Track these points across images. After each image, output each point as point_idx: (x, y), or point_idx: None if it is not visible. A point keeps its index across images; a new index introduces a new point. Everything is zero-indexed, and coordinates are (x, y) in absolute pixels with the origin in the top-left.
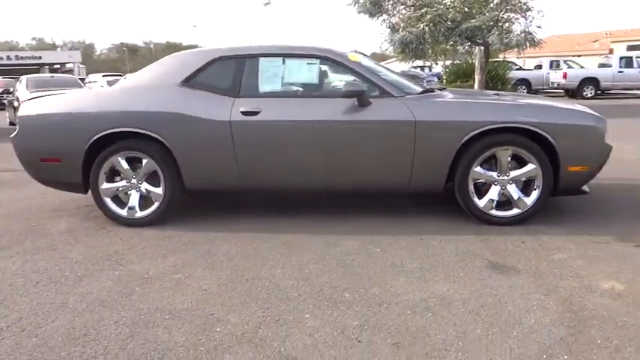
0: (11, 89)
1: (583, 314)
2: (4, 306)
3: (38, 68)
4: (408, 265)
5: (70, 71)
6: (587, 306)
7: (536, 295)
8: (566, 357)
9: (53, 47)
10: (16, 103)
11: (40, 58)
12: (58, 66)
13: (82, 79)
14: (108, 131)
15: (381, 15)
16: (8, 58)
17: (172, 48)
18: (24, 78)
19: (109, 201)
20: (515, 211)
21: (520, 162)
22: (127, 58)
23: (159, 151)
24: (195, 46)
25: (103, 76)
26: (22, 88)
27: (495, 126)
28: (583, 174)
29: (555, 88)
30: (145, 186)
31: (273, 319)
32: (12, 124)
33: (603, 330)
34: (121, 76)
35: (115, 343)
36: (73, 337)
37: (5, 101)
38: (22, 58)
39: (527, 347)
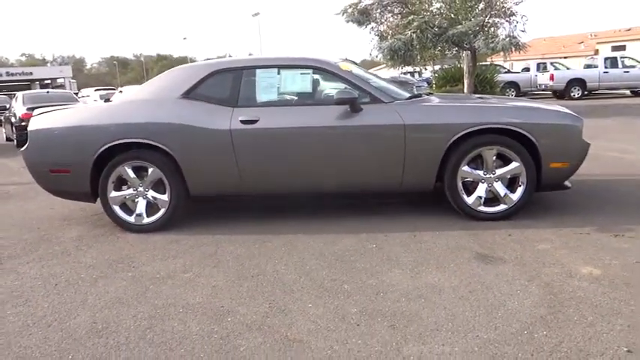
0: (7, 105)
1: (562, 296)
2: (28, 305)
3: (29, 84)
4: (403, 258)
5: (61, 86)
6: (567, 289)
7: (520, 281)
8: (545, 332)
9: (43, 63)
10: (13, 119)
11: (31, 74)
12: (49, 81)
13: (75, 94)
14: (115, 142)
15: (370, 23)
16: None
17: (162, 60)
18: (20, 94)
19: (117, 209)
20: (502, 207)
21: (505, 160)
22: (118, 72)
23: (164, 160)
24: (185, 58)
25: (96, 90)
26: (18, 104)
27: (480, 127)
28: (564, 170)
29: (543, 90)
30: (151, 193)
31: (279, 309)
32: (8, 139)
33: (580, 309)
34: (113, 89)
35: (135, 334)
36: (95, 331)
37: (2, 117)
38: (12, 74)
39: (510, 325)
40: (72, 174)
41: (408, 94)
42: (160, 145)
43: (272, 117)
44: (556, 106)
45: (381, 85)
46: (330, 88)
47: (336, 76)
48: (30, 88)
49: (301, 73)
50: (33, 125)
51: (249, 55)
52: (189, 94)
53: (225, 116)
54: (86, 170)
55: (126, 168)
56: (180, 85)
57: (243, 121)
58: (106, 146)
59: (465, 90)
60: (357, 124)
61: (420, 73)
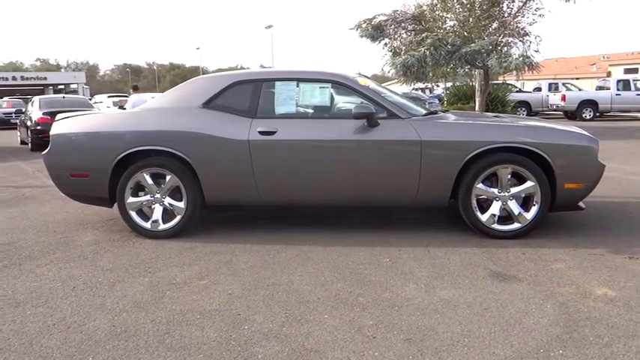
0: (23, 109)
1: (578, 316)
2: (47, 307)
3: (42, 89)
4: (417, 273)
5: (75, 92)
6: (582, 309)
7: (535, 299)
8: (561, 351)
9: (57, 68)
10: (28, 123)
11: (45, 78)
12: (63, 87)
13: (89, 100)
14: (135, 149)
15: (383, 39)
16: (14, 78)
17: (175, 69)
18: (36, 99)
19: (134, 214)
20: (515, 225)
21: (519, 179)
22: (131, 79)
23: (182, 167)
24: (197, 68)
25: (109, 96)
26: (34, 108)
27: (496, 145)
28: (579, 191)
29: (554, 111)
30: (168, 200)
31: (295, 319)
32: (23, 142)
33: (595, 329)
34: (126, 96)
35: (154, 339)
36: (115, 334)
37: (17, 121)
38: (27, 78)
39: (526, 343)
40: (91, 178)
41: (424, 111)
42: (178, 153)
43: (290, 129)
44: (572, 127)
45: (397, 100)
46: (343, 102)
47: (355, 91)
48: (44, 93)
49: (320, 87)
50: (55, 130)
51: (261, 66)
52: (210, 103)
53: (244, 127)
54: (105, 175)
55: (144, 174)
56: (201, 95)
57: (261, 132)
58: (126, 153)
59: (477, 108)
60: (374, 139)
61: (431, 90)
